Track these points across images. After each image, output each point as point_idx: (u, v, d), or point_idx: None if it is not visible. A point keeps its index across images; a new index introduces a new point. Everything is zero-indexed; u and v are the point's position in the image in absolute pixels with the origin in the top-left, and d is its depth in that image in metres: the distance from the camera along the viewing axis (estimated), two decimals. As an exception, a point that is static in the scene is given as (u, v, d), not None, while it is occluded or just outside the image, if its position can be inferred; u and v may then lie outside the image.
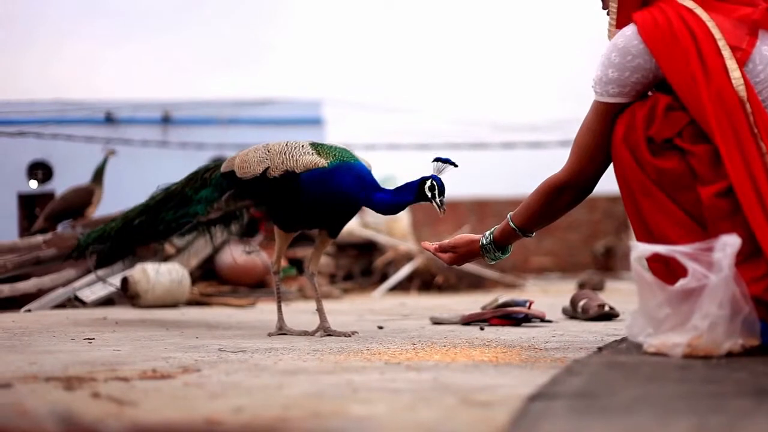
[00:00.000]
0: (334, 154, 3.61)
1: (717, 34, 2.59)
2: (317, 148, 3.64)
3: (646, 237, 2.64)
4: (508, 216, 3.04)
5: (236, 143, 11.90)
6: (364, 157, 3.74)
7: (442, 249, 3.21)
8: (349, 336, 3.58)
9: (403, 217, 10.51)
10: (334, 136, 13.44)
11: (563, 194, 2.89)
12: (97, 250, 4.58)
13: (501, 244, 3.09)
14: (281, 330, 3.75)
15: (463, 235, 3.20)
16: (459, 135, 14.02)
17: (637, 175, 2.63)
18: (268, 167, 3.67)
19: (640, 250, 2.45)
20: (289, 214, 3.75)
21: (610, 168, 2.79)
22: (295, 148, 3.64)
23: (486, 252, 3.11)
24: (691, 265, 2.35)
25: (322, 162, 3.57)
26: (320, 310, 3.76)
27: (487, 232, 3.11)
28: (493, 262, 3.18)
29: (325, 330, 3.67)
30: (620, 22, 2.74)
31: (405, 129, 14.31)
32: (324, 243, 3.89)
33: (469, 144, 13.88)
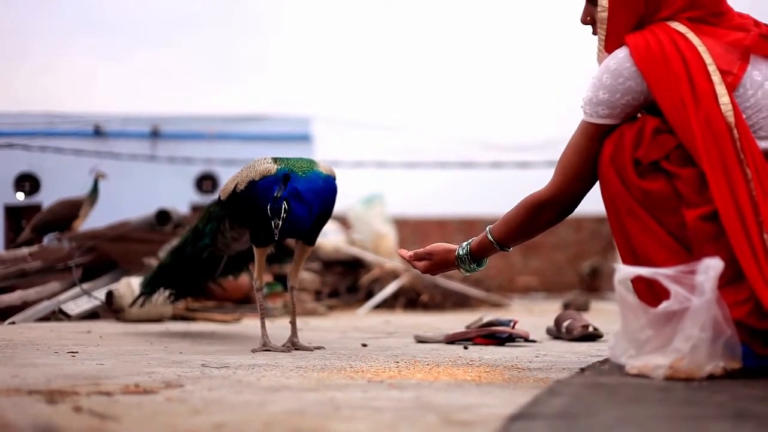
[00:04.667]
0: (287, 163, 3.69)
1: (708, 59, 2.61)
2: (277, 159, 3.72)
3: (631, 258, 2.66)
4: (487, 229, 3.02)
5: (225, 158, 11.89)
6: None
7: (418, 257, 3.18)
8: (311, 350, 3.72)
9: (390, 235, 10.51)
10: (323, 152, 13.46)
11: (545, 211, 2.88)
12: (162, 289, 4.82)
13: (477, 256, 3.06)
14: (265, 346, 3.75)
15: (440, 244, 3.17)
16: (448, 154, 14.05)
17: (623, 196, 2.65)
18: (238, 183, 3.79)
19: (624, 272, 2.46)
20: (257, 226, 3.80)
21: (597, 188, 2.80)
22: (258, 161, 3.76)
23: (461, 263, 3.08)
24: (673, 288, 2.37)
25: (274, 169, 3.66)
26: (293, 323, 3.92)
27: (465, 243, 3.09)
28: (467, 274, 3.17)
29: (293, 344, 3.82)
30: (609, 46, 2.76)
31: (394, 147, 14.35)
32: (302, 253, 3.96)
33: (457, 163, 13.91)
